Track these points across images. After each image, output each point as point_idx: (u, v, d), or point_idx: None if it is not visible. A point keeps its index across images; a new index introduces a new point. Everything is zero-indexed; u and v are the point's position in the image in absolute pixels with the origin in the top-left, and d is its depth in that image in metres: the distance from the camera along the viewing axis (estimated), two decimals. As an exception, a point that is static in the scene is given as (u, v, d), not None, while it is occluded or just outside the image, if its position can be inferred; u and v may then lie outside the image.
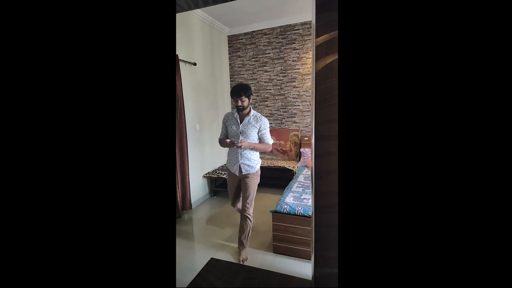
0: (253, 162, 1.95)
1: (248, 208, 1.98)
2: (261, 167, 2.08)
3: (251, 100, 1.89)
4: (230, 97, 1.83)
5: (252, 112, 1.92)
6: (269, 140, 1.95)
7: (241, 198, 2.06)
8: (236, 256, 2.04)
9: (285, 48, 3.74)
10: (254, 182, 1.97)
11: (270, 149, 1.99)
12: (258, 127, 1.91)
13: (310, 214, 1.68)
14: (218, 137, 2.08)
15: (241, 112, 1.91)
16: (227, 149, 2.04)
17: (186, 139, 2.74)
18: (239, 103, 1.83)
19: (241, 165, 1.93)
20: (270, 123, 4.06)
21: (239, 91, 1.81)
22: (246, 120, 1.91)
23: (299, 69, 3.72)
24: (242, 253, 2.00)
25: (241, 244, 2.02)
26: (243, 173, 1.94)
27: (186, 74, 2.90)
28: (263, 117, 1.94)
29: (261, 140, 1.96)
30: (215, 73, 3.62)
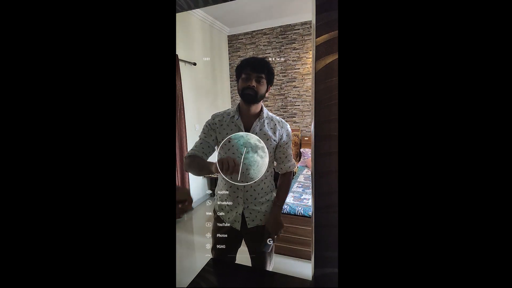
0: (268, 205, 1.08)
1: None
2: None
3: (269, 90, 1.02)
4: (236, 74, 1.00)
5: (266, 112, 1.05)
6: (293, 164, 1.10)
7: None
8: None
9: (285, 48, 3.73)
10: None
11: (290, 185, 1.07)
12: (278, 139, 1.03)
13: (310, 214, 1.68)
14: (188, 152, 1.10)
15: (248, 108, 1.00)
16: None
17: (186, 139, 2.74)
18: (253, 83, 0.94)
19: (246, 212, 1.04)
20: (270, 123, 4.04)
21: (261, 63, 0.96)
22: (256, 126, 1.01)
23: (299, 69, 3.72)
24: None
25: None
26: (250, 227, 1.05)
27: (186, 74, 2.90)
28: (284, 121, 1.07)
29: (278, 163, 1.09)
30: (215, 73, 3.62)
